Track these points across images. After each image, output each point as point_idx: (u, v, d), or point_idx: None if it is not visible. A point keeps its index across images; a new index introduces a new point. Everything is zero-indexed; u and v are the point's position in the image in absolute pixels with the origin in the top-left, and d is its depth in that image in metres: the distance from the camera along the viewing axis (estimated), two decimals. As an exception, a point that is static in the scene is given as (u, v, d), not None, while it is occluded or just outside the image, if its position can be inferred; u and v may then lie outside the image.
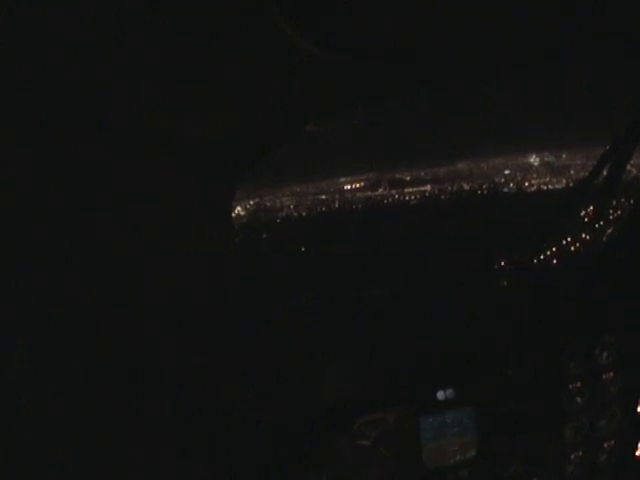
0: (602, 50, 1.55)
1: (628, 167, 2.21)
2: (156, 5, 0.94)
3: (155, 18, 0.97)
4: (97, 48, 1.04)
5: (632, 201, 2.54)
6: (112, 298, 1.43)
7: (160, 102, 1.34)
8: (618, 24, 1.36)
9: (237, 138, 1.71)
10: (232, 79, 1.30)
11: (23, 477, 1.28)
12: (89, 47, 1.03)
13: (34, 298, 1.27)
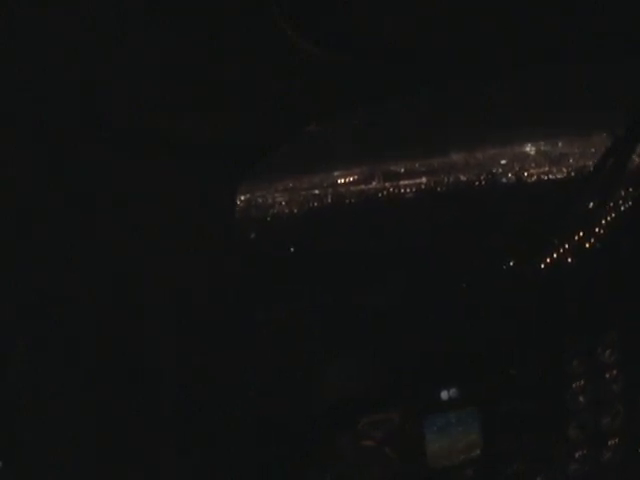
0: (602, 50, 1.55)
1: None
2: (156, 5, 0.94)
3: (155, 18, 0.97)
4: (97, 48, 1.04)
5: (633, 199, 2.54)
6: (112, 298, 1.43)
7: (160, 102, 1.34)
8: (618, 24, 1.36)
9: (237, 138, 1.71)
10: (232, 79, 1.30)
11: (23, 477, 1.28)
12: (89, 47, 1.03)
13: (34, 298, 1.27)
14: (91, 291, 1.37)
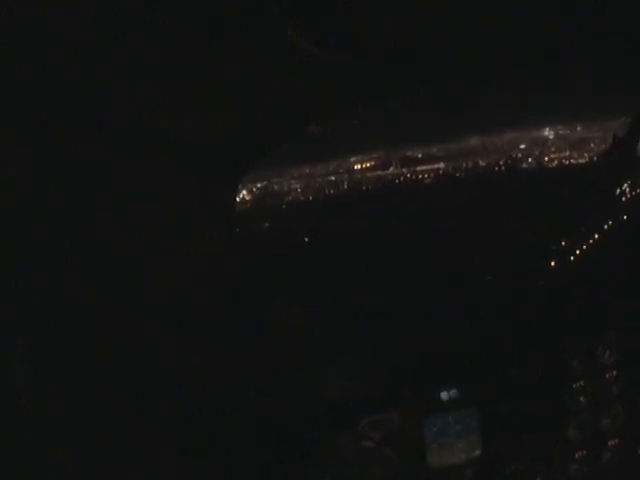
0: (602, 50, 1.55)
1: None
2: (156, 5, 0.94)
3: (155, 18, 0.97)
4: (97, 48, 1.04)
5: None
6: (112, 298, 1.43)
7: (160, 102, 1.34)
8: (618, 24, 1.36)
9: (237, 138, 1.71)
10: (232, 79, 1.30)
11: (23, 477, 1.28)
12: (89, 47, 1.03)
13: (34, 298, 1.27)
14: (91, 291, 1.37)
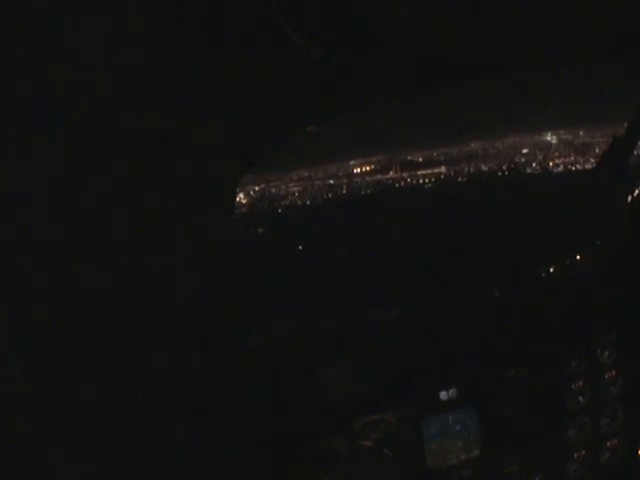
0: (602, 50, 1.56)
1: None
2: (156, 5, 0.94)
3: (155, 18, 0.97)
4: (97, 48, 1.04)
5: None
6: (112, 298, 1.43)
7: (160, 102, 1.34)
8: (618, 24, 1.36)
9: (237, 138, 1.71)
10: (232, 79, 1.30)
11: (23, 477, 1.28)
12: (89, 47, 1.03)
13: (34, 298, 1.27)
14: (91, 290, 1.37)
